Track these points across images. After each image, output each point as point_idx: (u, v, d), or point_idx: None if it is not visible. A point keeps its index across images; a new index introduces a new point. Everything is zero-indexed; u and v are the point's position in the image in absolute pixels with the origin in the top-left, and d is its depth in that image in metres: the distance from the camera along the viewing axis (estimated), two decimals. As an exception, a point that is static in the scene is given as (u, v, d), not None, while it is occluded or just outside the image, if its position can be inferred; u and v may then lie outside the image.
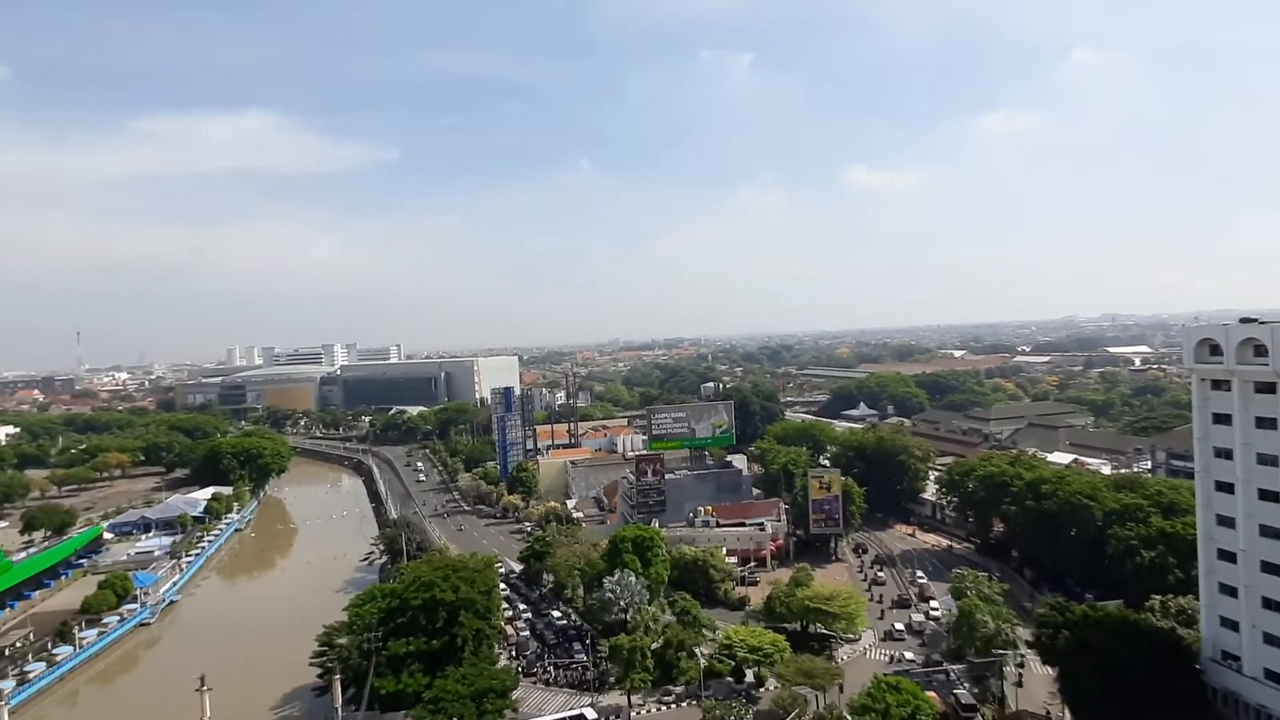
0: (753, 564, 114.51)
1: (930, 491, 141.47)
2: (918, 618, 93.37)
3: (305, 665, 78.76)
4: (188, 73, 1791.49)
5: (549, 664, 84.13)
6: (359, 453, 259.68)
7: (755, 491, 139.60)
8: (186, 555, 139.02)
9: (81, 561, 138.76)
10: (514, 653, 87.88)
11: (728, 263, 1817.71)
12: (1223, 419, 62.63)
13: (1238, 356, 60.57)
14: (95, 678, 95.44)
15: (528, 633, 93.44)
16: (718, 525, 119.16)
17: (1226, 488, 62.46)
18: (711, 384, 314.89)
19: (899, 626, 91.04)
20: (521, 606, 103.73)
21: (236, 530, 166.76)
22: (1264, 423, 59.09)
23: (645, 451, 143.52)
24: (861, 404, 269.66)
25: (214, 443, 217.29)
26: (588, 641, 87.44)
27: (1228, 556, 62.50)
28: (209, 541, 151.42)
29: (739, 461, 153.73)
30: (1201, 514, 65.35)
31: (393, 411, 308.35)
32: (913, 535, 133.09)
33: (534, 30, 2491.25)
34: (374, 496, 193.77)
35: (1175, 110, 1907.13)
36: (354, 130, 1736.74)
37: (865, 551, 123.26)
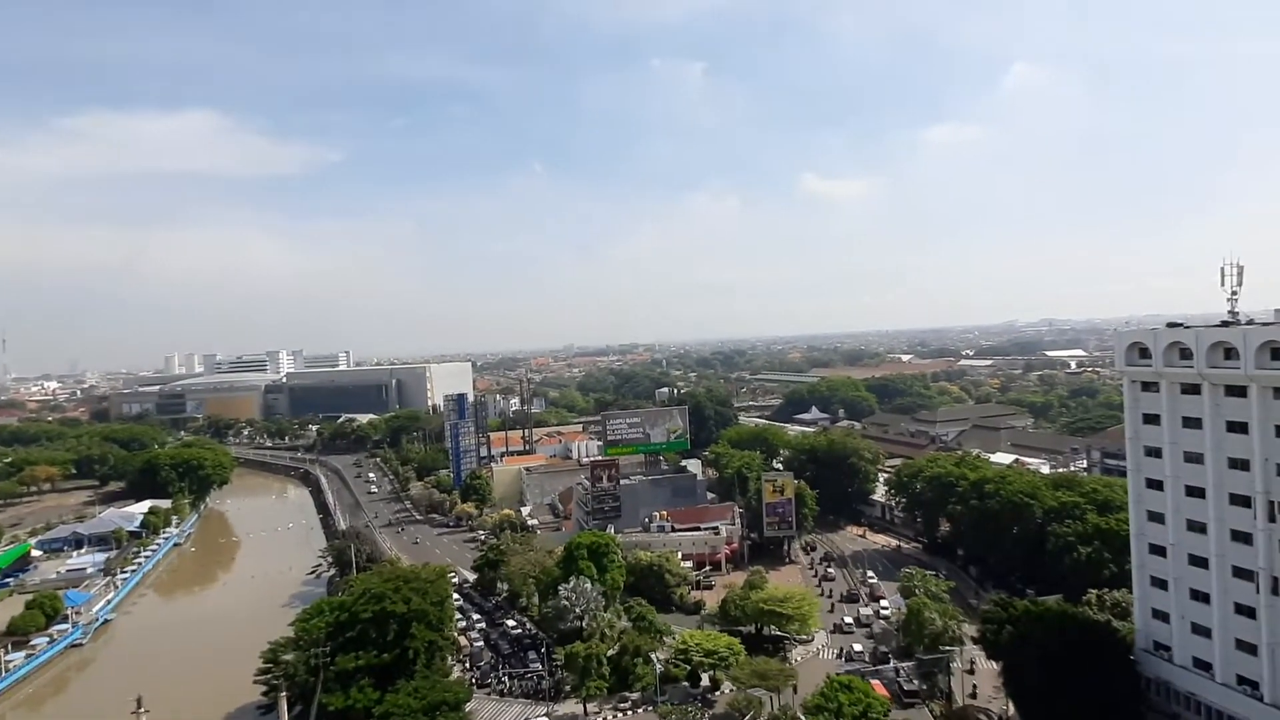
0: (708, 568, 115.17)
1: (880, 493, 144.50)
2: (865, 611, 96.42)
3: (249, 684, 76.23)
4: (122, 70, 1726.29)
5: (504, 674, 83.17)
6: (306, 463, 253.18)
7: (710, 496, 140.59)
8: (121, 572, 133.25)
9: (7, 581, 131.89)
10: (468, 664, 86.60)
11: (682, 268, 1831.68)
12: (1152, 419, 65.50)
13: (1165, 360, 63.52)
14: (23, 703, 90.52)
15: (482, 643, 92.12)
16: (673, 530, 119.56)
17: (1156, 485, 65.30)
18: (666, 389, 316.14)
19: (848, 620, 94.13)
20: (475, 616, 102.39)
21: (175, 545, 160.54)
22: (1190, 422, 62.03)
23: (600, 457, 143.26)
24: (813, 408, 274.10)
25: (151, 454, 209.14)
26: (543, 650, 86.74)
27: (1158, 551, 65.37)
28: (146, 557, 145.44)
29: (694, 466, 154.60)
30: (1134, 510, 68.20)
31: (341, 420, 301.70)
32: (863, 536, 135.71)
33: (486, 34, 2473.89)
34: (322, 507, 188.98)
35: (1109, 124, 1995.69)
36: (301, 131, 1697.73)
37: (814, 549, 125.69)
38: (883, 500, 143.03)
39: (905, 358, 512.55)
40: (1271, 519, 55.69)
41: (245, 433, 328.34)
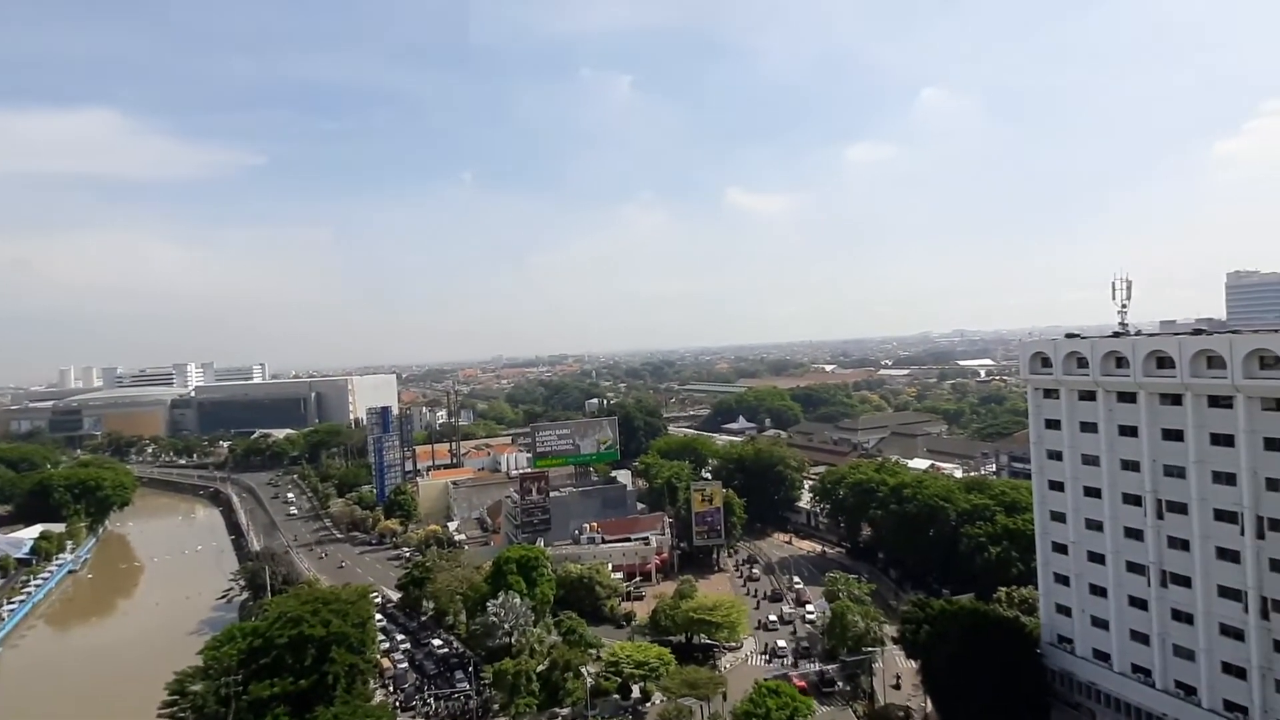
0: (638, 578, 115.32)
1: (805, 500, 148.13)
2: (788, 609, 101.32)
3: (153, 718, 71.62)
4: (8, 63, 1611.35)
5: (429, 695, 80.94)
6: (216, 481, 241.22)
7: (640, 506, 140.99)
8: (9, 602, 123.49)
9: None
10: (391, 687, 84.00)
11: (611, 279, 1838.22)
12: (1053, 424, 69.49)
13: (1064, 368, 67.63)
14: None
15: (406, 664, 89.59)
16: (604, 541, 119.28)
17: (1058, 486, 69.24)
18: (596, 400, 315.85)
19: (772, 618, 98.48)
20: (399, 637, 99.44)
21: (70, 572, 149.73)
22: (1087, 427, 66.14)
23: (530, 469, 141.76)
24: (740, 417, 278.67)
25: (43, 475, 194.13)
26: (470, 669, 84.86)
27: (1060, 549, 69.22)
28: (36, 586, 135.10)
29: (624, 477, 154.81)
30: (1038, 511, 72.08)
31: (256, 435, 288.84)
32: (789, 543, 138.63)
33: (412, 39, 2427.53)
34: (234, 528, 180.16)
35: (1007, 145, 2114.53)
36: (213, 134, 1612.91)
37: (735, 552, 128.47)
38: (808, 507, 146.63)
39: (828, 367, 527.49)
40: (1160, 516, 59.91)
41: (149, 450, 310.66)
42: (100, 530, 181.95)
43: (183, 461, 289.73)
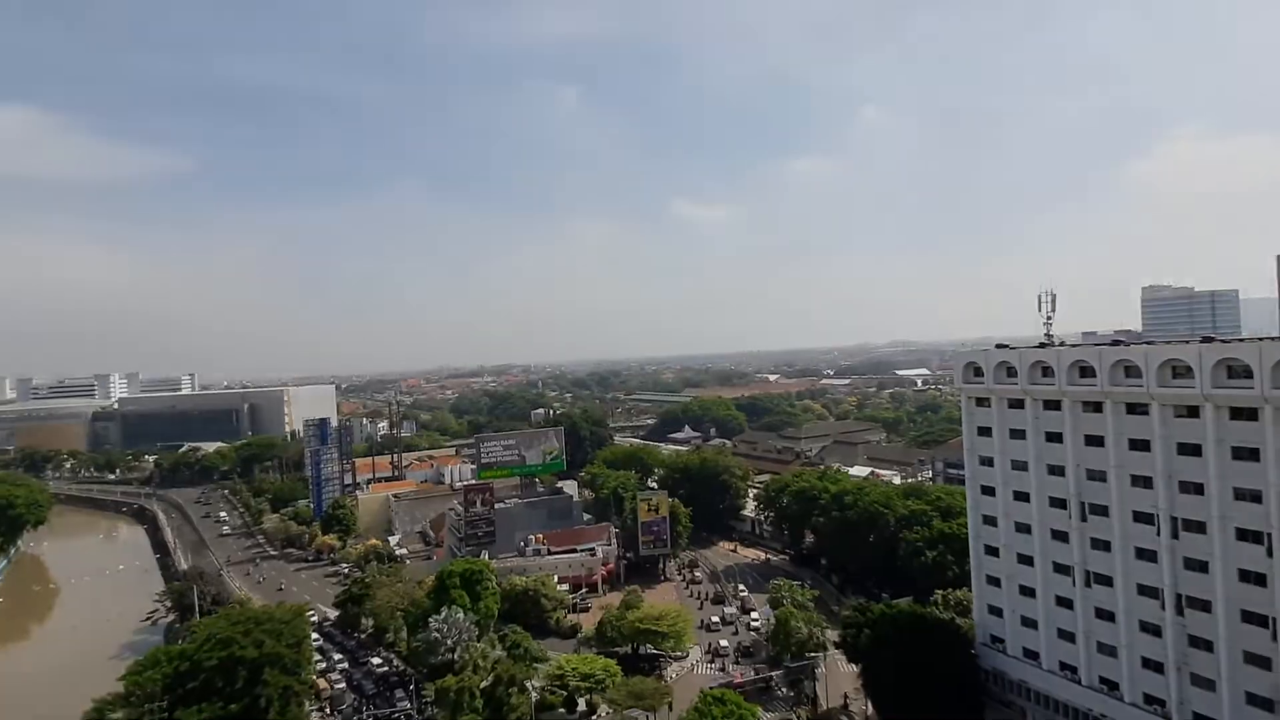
0: (584, 590, 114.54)
1: (750, 508, 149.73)
2: (730, 610, 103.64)
3: (68, 750, 67.62)
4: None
5: (368, 716, 78.71)
6: (141, 497, 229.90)
7: (586, 517, 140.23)
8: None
9: None
10: (328, 708, 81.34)
11: (557, 289, 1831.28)
12: (985, 431, 72.09)
13: (994, 377, 70.32)
14: None
15: (344, 684, 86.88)
16: (549, 553, 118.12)
17: (989, 491, 71.81)
18: (541, 410, 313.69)
19: (715, 619, 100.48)
20: (337, 656, 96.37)
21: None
22: (1016, 434, 68.81)
23: (474, 481, 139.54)
24: (686, 427, 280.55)
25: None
26: (411, 687, 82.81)
27: (992, 551, 71.75)
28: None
29: (570, 487, 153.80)
30: (971, 515, 74.56)
31: (184, 449, 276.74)
32: (734, 550, 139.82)
33: (354, 45, 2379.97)
34: (160, 546, 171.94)
35: (945, 162, 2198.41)
36: (143, 135, 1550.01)
37: (677, 557, 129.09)
38: (753, 515, 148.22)
39: (772, 377, 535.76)
40: (1084, 519, 62.72)
41: (68, 465, 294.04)
42: (12, 551, 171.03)
43: (111, 477, 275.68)
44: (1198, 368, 54.06)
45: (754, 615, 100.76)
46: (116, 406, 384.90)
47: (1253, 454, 51.89)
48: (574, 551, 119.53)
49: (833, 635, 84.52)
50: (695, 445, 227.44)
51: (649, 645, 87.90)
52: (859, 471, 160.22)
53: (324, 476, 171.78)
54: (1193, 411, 55.17)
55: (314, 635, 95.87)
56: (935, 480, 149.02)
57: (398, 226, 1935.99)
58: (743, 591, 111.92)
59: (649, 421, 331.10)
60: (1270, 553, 50.81)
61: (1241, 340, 58.35)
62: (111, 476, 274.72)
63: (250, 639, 70.32)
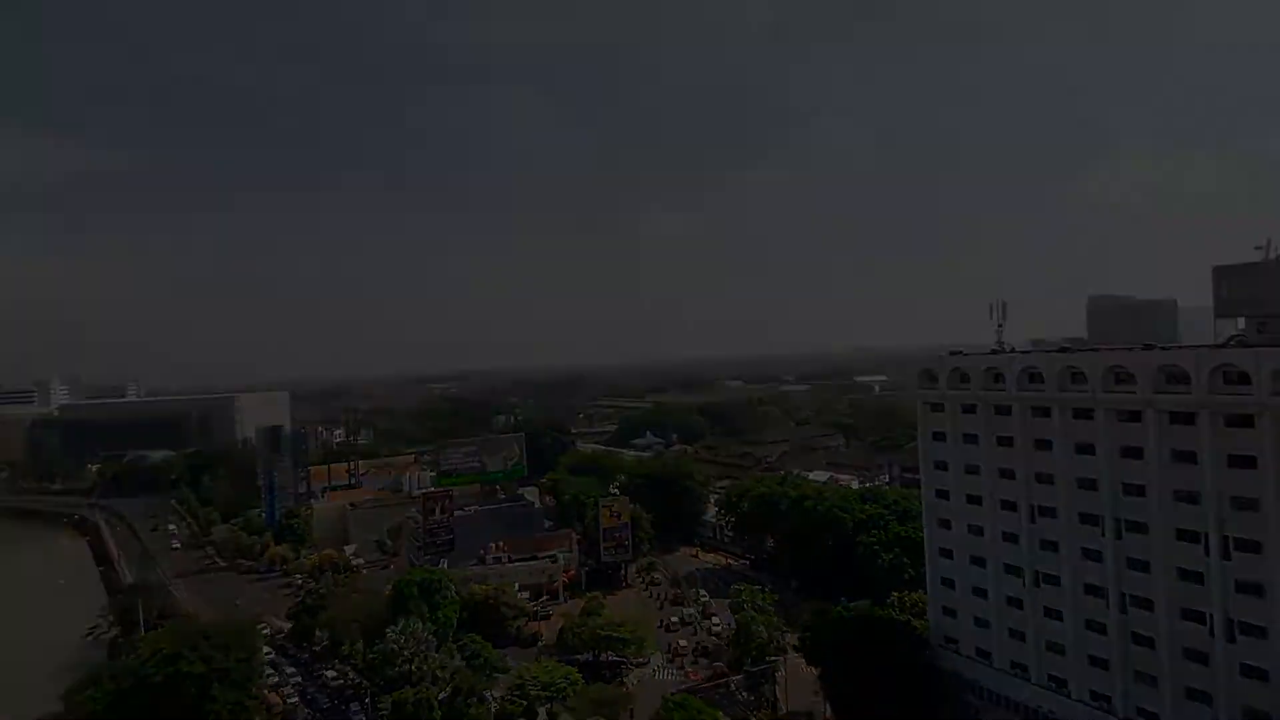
0: (546, 597, 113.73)
1: (712, 514, 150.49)
2: (688, 610, 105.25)
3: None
4: None
5: (322, 730, 76.79)
6: (83, 508, 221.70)
7: (548, 524, 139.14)
8: None
9: None
10: (280, 723, 79.07)
11: (520, 295, 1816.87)
12: (940, 436, 73.73)
13: (948, 383, 72.01)
14: None
15: (296, 699, 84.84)
16: (510, 561, 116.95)
17: (944, 494, 73.38)
18: (503, 417, 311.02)
19: (674, 619, 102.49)
20: (290, 670, 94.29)
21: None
22: (969, 438, 70.55)
23: (433, 489, 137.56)
24: (648, 433, 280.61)
25: None
26: (367, 700, 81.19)
27: (946, 553, 73.26)
28: None
29: (531, 494, 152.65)
30: (926, 518, 76.14)
31: (129, 458, 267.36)
32: (696, 556, 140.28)
33: (307, 40, 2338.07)
34: (103, 559, 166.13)
35: (901, 173, 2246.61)
36: (78, 128, 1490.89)
37: (636, 562, 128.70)
38: (714, 520, 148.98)
39: (733, 383, 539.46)
40: (1033, 521, 64.50)
41: (4, 475, 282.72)
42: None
43: (56, 487, 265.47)
44: (1139, 374, 56.18)
45: (714, 620, 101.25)
46: (57, 414, 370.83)
47: (1191, 457, 54.05)
48: (535, 559, 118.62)
49: (792, 639, 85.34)
50: (657, 451, 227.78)
51: (610, 652, 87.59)
52: (818, 476, 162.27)
53: (277, 485, 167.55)
54: (1135, 416, 57.25)
55: (266, 649, 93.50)
56: (892, 484, 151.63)
57: (351, 226, 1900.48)
58: (704, 596, 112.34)
59: (611, 428, 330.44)
60: (1208, 552, 52.91)
61: (1181, 347, 60.80)
62: (56, 487, 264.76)
63: (198, 654, 68.43)
